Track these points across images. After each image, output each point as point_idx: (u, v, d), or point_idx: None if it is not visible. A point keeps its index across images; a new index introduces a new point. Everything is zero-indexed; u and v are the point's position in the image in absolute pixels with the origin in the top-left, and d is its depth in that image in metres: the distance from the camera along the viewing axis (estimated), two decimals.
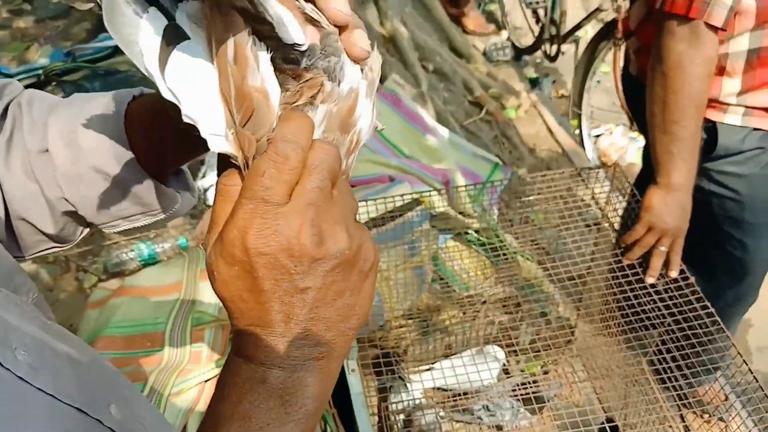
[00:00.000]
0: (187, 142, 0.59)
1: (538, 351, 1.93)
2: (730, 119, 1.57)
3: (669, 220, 1.49)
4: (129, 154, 0.61)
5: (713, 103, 1.56)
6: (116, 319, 1.52)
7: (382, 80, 2.85)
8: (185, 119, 0.40)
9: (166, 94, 0.39)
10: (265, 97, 0.41)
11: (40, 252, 0.67)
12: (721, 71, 1.51)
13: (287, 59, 0.42)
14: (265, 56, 0.41)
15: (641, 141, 3.31)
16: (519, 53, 3.90)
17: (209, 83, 0.40)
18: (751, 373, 1.31)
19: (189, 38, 0.39)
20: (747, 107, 1.56)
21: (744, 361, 1.33)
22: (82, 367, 0.45)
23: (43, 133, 0.61)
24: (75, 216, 0.65)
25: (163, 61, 0.38)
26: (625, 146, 3.29)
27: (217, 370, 1.41)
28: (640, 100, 1.57)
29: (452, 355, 1.94)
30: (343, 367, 1.39)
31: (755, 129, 1.58)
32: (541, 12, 3.68)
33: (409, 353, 1.97)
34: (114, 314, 1.54)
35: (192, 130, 0.41)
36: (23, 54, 2.82)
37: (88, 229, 0.68)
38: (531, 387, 1.82)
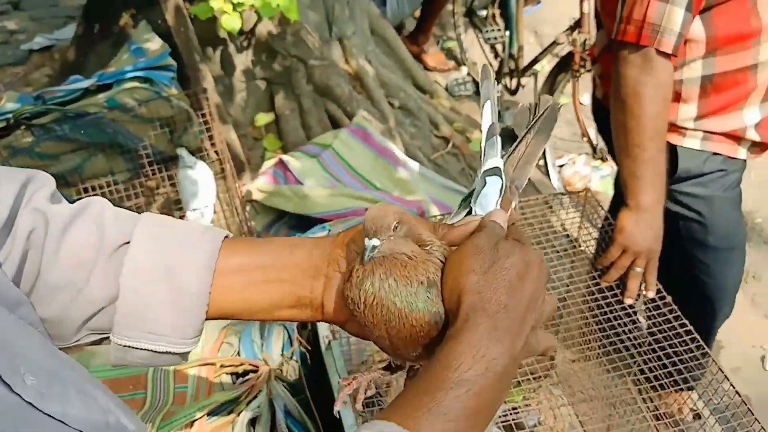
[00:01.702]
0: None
1: (520, 380, 1.94)
2: (690, 143, 1.63)
3: (641, 241, 1.53)
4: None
5: (672, 127, 1.61)
6: (97, 363, 1.48)
7: (351, 118, 2.88)
8: None
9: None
10: None
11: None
12: (677, 97, 1.57)
13: None
14: None
15: (604, 170, 3.41)
16: (479, 88, 4.00)
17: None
18: (733, 387, 1.34)
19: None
20: (705, 132, 1.62)
21: (726, 377, 1.36)
22: (88, 396, 0.45)
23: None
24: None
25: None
26: (588, 175, 3.38)
27: (203, 411, 1.38)
28: (608, 124, 1.63)
29: None
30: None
31: (714, 153, 1.64)
32: (499, 47, 3.79)
33: (392, 389, 1.95)
34: (93, 358, 1.50)
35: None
36: None
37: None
38: (511, 415, 1.82)
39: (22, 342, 0.46)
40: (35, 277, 0.61)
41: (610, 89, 1.58)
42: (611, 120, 1.54)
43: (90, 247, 0.62)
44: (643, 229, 1.52)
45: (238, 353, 1.62)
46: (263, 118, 2.92)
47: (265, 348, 1.61)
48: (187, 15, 2.36)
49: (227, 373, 1.56)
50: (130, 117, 2.10)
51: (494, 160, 0.65)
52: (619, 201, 1.65)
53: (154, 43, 2.25)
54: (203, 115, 2.25)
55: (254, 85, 2.93)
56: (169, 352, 0.65)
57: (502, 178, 0.65)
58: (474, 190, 0.67)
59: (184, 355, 0.67)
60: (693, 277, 1.82)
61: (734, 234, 1.80)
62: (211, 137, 2.33)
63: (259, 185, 2.48)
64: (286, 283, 0.66)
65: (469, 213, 0.66)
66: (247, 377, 1.50)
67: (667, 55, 1.41)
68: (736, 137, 1.62)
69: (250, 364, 1.54)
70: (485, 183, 0.65)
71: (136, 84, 2.12)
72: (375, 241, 0.59)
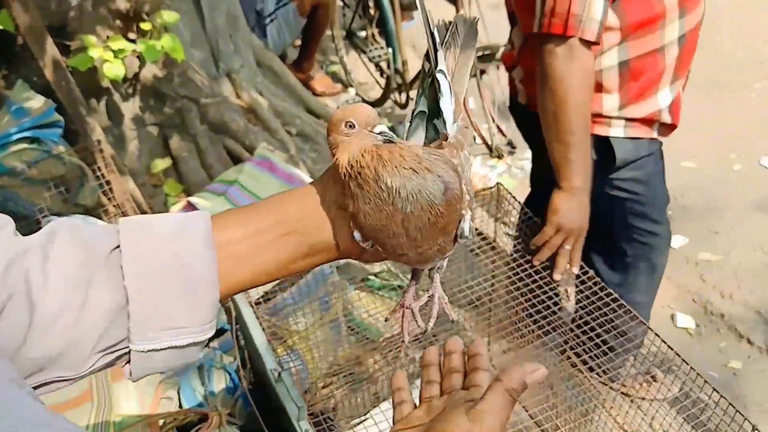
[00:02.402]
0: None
1: None
2: (615, 132, 1.74)
3: (573, 220, 1.61)
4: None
5: (598, 118, 1.71)
6: None
7: (251, 152, 2.85)
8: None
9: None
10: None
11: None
12: (599, 87, 1.67)
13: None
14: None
15: (500, 167, 3.57)
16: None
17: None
18: (665, 343, 1.44)
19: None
20: (627, 119, 1.72)
21: (656, 334, 1.45)
22: None
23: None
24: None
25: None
26: (486, 174, 3.52)
27: None
28: (533, 125, 1.69)
29: (382, 401, 1.94)
30: None
31: (637, 138, 1.76)
32: (383, 65, 3.89)
33: (339, 411, 1.94)
34: None
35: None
36: None
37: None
38: None
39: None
40: (30, 310, 0.57)
41: (534, 89, 1.64)
42: (540, 111, 1.60)
43: (79, 266, 0.60)
44: (575, 208, 1.61)
45: (180, 405, 1.56)
46: (160, 164, 2.84)
47: (209, 394, 1.55)
48: (65, 68, 2.26)
49: (174, 428, 1.49)
50: (20, 181, 1.98)
51: (442, 64, 0.68)
52: (539, 196, 1.73)
53: (37, 101, 2.14)
54: (98, 169, 2.16)
55: (145, 131, 2.84)
56: (193, 343, 0.64)
57: (447, 79, 0.69)
58: (424, 89, 0.71)
59: (202, 346, 0.66)
60: (638, 242, 1.95)
61: (664, 198, 1.96)
62: (109, 191, 2.23)
63: None
64: (296, 235, 0.67)
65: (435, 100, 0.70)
66: (198, 427, 1.44)
67: (588, 44, 1.50)
68: (652, 120, 1.75)
69: (195, 414, 1.48)
70: (440, 82, 0.68)
71: (23, 145, 2.00)
72: (383, 126, 0.64)
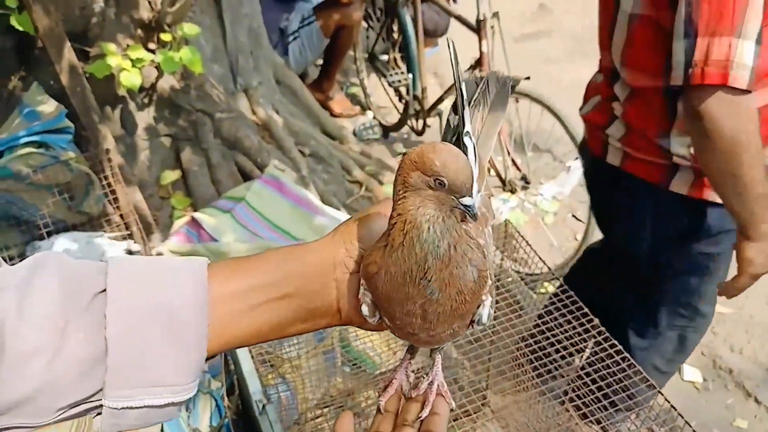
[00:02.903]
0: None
1: (455, 419, 1.91)
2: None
3: (765, 266, 1.54)
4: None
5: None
6: None
7: (263, 170, 2.83)
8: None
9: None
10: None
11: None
12: None
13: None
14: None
15: (512, 201, 3.51)
16: (386, 131, 4.05)
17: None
18: (668, 402, 1.38)
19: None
20: None
21: (661, 393, 1.39)
22: None
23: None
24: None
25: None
26: (498, 207, 3.47)
27: None
28: (621, 192, 1.63)
29: None
30: None
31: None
32: (402, 90, 3.87)
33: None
34: None
35: None
36: None
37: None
38: None
39: None
40: (1, 346, 0.53)
41: (636, 145, 1.57)
42: (711, 171, 1.46)
43: (59, 306, 0.55)
44: (766, 254, 1.53)
45: (162, 430, 1.51)
46: (169, 176, 2.82)
47: (192, 421, 1.51)
48: (82, 74, 2.26)
49: None
50: (25, 185, 1.96)
51: (469, 125, 0.61)
52: (589, 267, 1.64)
53: (49, 105, 2.13)
54: (105, 178, 2.14)
55: (158, 142, 2.82)
56: (171, 404, 0.58)
57: (473, 143, 0.61)
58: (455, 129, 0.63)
59: (183, 405, 0.60)
60: (677, 316, 1.87)
61: (723, 279, 1.85)
62: (115, 200, 2.21)
63: (171, 246, 2.37)
64: (294, 299, 0.62)
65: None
66: None
67: (744, 91, 1.35)
68: None
69: None
70: (467, 147, 0.60)
71: (30, 149, 1.99)
72: (470, 199, 0.55)
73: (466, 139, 0.59)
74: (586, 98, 1.84)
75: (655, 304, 1.87)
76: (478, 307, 0.61)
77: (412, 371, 0.69)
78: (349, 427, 0.67)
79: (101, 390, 0.57)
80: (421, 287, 0.55)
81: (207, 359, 0.61)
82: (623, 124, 1.67)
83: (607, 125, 1.72)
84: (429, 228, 0.54)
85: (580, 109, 1.87)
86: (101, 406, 0.58)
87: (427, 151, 0.54)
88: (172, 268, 0.60)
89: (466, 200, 0.54)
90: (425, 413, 0.65)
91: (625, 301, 1.58)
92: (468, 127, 0.59)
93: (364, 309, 0.61)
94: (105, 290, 0.57)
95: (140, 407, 0.57)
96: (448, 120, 0.65)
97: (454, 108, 0.62)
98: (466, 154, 0.58)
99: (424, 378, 0.68)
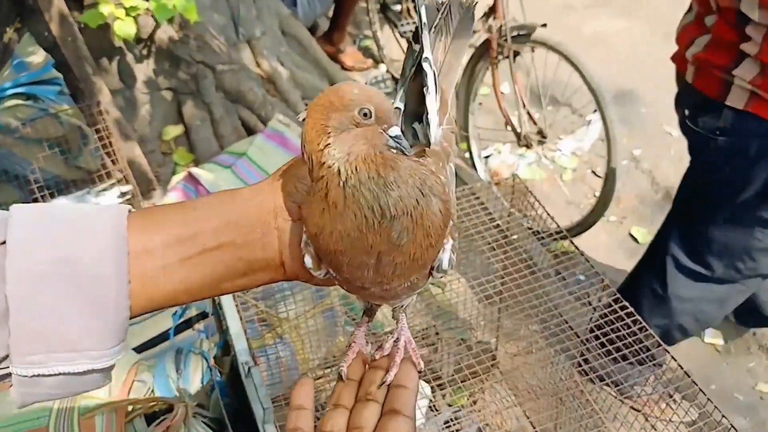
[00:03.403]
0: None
1: (463, 380, 1.85)
2: None
3: None
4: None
5: None
6: None
7: (266, 123, 2.73)
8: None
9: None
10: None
11: None
12: None
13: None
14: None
15: (529, 156, 3.39)
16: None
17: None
18: (681, 367, 1.29)
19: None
20: None
21: (672, 357, 1.31)
22: None
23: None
24: None
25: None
26: (515, 163, 3.35)
27: None
28: (740, 134, 1.61)
29: None
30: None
31: None
32: None
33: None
34: None
35: None
36: None
37: None
38: (454, 424, 1.72)
39: None
40: None
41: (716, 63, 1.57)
42: None
43: None
44: None
45: (152, 391, 1.46)
46: (172, 131, 2.74)
47: (182, 381, 1.45)
48: (74, 23, 2.16)
49: (141, 415, 1.39)
50: (14, 139, 1.89)
51: (428, 51, 0.53)
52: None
53: (38, 56, 2.05)
54: (98, 131, 2.06)
55: (159, 96, 2.73)
56: (92, 370, 0.51)
57: (433, 70, 0.53)
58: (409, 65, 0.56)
59: (108, 373, 0.53)
60: (732, 270, 1.84)
61: None
62: (113, 153, 2.14)
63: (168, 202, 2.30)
64: (231, 249, 0.54)
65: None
66: (163, 418, 1.34)
67: None
68: None
69: (164, 402, 1.38)
70: (426, 74, 0.53)
71: (18, 101, 1.90)
72: (398, 130, 0.50)
73: (425, 65, 0.51)
74: (684, 40, 1.74)
75: (719, 251, 1.82)
76: (439, 251, 0.52)
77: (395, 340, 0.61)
78: (309, 395, 0.59)
79: (7, 356, 0.49)
80: (384, 230, 0.47)
81: (132, 318, 0.53)
82: (758, 64, 1.59)
83: (733, 65, 1.63)
84: (368, 163, 0.47)
85: (680, 52, 1.78)
86: (11, 375, 0.50)
87: (341, 89, 0.50)
88: (87, 216, 0.52)
89: (393, 130, 0.49)
90: (390, 377, 0.57)
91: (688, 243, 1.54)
92: (427, 53, 0.51)
93: (307, 261, 0.53)
94: (5, 242, 0.49)
95: (54, 374, 0.50)
96: (407, 50, 0.57)
97: (415, 36, 0.54)
98: (426, 85, 0.52)
99: (388, 337, 0.60)
